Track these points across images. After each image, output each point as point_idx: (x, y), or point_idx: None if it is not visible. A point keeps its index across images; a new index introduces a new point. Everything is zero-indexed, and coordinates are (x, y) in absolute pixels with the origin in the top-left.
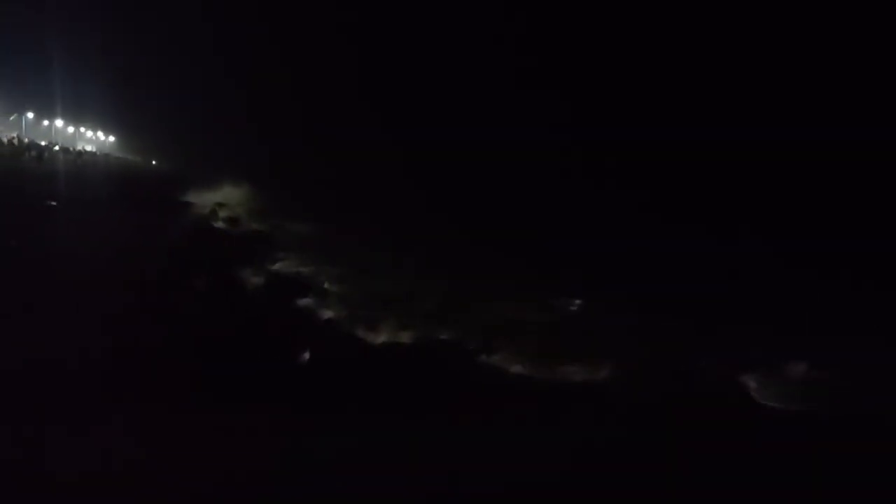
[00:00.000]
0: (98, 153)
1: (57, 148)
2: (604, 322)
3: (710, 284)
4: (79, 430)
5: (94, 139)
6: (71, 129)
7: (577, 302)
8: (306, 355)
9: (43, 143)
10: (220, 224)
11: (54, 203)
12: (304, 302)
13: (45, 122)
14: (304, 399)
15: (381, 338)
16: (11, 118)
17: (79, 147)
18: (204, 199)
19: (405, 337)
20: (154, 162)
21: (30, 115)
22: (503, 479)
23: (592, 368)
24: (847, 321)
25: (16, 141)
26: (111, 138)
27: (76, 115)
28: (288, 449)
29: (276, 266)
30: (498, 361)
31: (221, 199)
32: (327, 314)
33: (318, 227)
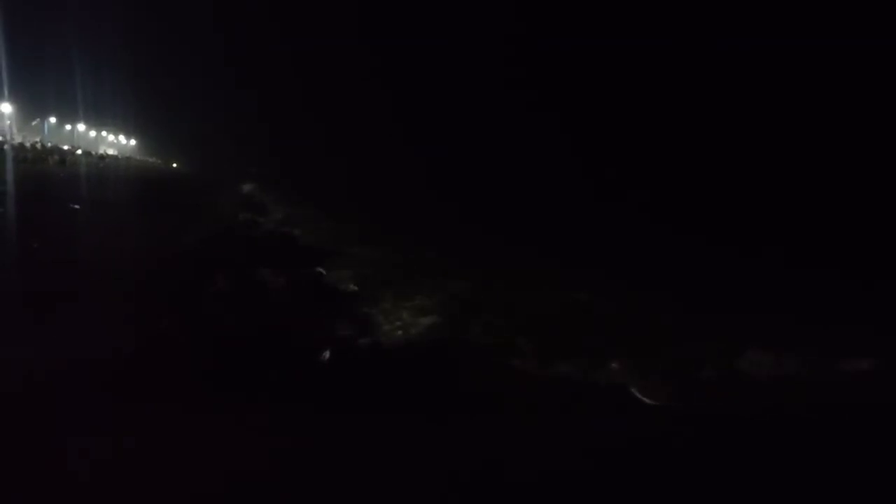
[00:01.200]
0: (120, 156)
1: (79, 152)
2: (617, 316)
3: (712, 280)
4: (95, 429)
5: (115, 143)
6: (93, 133)
7: (591, 295)
8: (327, 354)
9: (65, 148)
10: (241, 225)
11: (77, 206)
12: (326, 301)
13: (68, 127)
14: (325, 399)
15: (401, 337)
16: (34, 123)
17: (101, 151)
18: (225, 201)
19: (426, 336)
20: (175, 164)
21: (52, 119)
22: (520, 479)
23: (608, 364)
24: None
25: (39, 145)
26: (132, 142)
27: (98, 120)
28: (307, 448)
29: (298, 266)
30: (515, 358)
31: (243, 200)
32: (348, 313)
33: (340, 227)
